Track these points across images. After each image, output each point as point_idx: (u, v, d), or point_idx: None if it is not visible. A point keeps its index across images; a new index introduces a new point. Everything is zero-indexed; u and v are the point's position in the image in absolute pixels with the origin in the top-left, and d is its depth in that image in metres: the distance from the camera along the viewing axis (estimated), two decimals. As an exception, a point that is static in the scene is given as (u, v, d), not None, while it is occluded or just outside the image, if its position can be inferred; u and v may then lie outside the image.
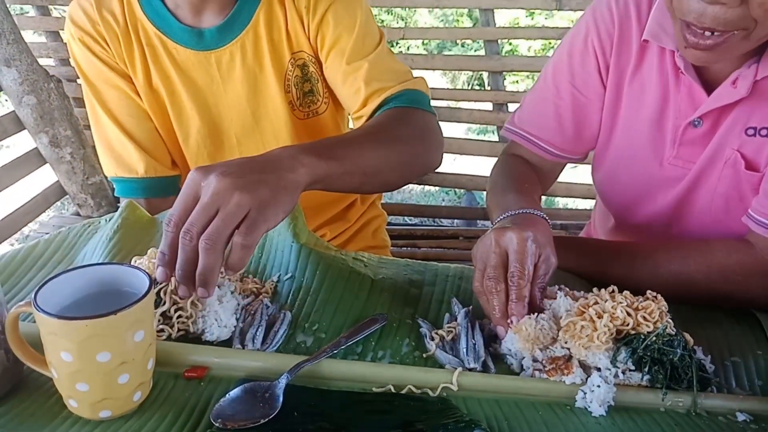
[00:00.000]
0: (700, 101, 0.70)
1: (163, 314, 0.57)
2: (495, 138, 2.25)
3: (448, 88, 3.77)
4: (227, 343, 0.58)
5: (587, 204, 2.11)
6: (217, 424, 0.48)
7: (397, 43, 3.71)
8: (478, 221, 2.01)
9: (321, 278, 0.66)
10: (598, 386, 0.53)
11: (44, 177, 1.87)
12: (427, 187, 2.89)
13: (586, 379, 0.54)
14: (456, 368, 0.55)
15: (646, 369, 0.54)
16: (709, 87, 0.69)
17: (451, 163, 2.49)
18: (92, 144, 1.75)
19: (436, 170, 0.85)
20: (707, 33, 0.58)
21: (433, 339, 0.59)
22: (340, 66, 0.84)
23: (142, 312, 0.48)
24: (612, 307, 0.55)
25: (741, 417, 0.53)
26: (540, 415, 0.53)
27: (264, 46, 0.86)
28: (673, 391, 0.54)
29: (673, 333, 0.55)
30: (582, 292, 0.60)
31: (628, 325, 0.55)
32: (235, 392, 0.51)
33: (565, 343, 0.56)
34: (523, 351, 0.56)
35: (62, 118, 1.73)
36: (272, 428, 0.48)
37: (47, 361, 0.49)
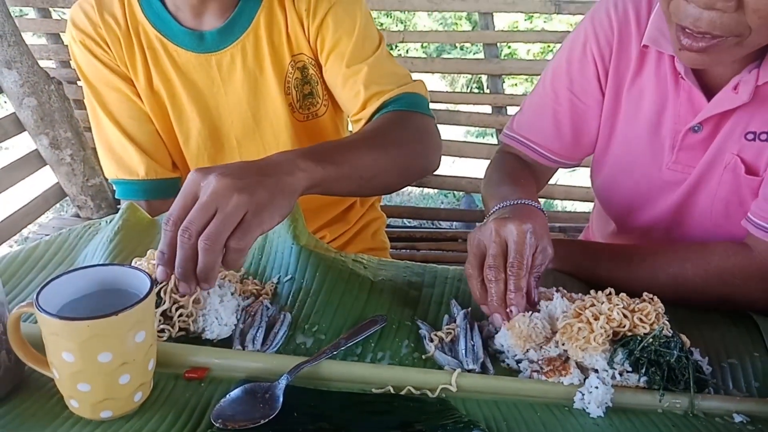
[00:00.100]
0: (700, 106, 0.70)
1: (163, 314, 0.57)
2: (494, 141, 2.26)
3: (447, 91, 3.77)
4: (227, 344, 0.58)
5: (586, 207, 2.12)
6: (217, 425, 0.49)
7: (396, 47, 3.72)
8: (477, 223, 2.01)
9: (321, 280, 0.66)
10: (596, 387, 0.53)
11: (44, 179, 1.87)
12: (426, 190, 2.90)
13: (584, 380, 0.55)
14: (455, 369, 0.56)
15: (643, 370, 0.54)
16: (709, 92, 0.69)
17: (450, 166, 2.50)
18: (92, 146, 1.75)
19: (435, 173, 0.86)
20: (699, 35, 0.59)
21: (432, 340, 0.59)
22: (339, 69, 0.85)
23: (143, 313, 0.48)
24: (608, 309, 0.55)
25: (738, 418, 0.54)
26: (538, 416, 0.53)
27: (264, 48, 0.87)
28: (670, 392, 0.54)
29: (670, 335, 0.56)
30: (579, 294, 0.60)
31: (624, 326, 0.55)
32: (235, 393, 0.52)
33: (563, 344, 0.56)
34: (515, 348, 0.57)
35: (62, 120, 1.73)
36: (272, 429, 0.49)
37: (49, 361, 0.49)
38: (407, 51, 3.88)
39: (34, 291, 0.63)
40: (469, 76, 4.24)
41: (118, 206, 0.80)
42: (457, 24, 4.69)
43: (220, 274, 0.61)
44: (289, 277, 0.67)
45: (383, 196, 1.37)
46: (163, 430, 0.49)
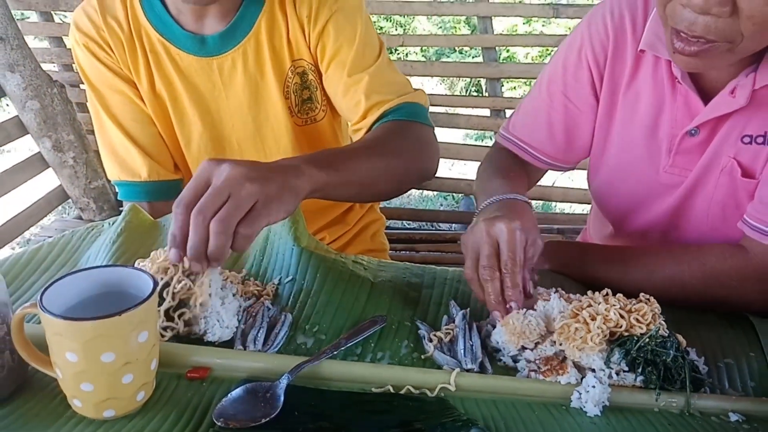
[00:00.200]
0: (697, 110, 0.71)
1: (166, 313, 0.58)
2: (492, 143, 2.26)
3: (446, 95, 3.79)
4: (229, 345, 0.59)
5: (583, 209, 2.12)
6: (219, 424, 0.49)
7: (396, 50, 3.74)
8: (476, 226, 2.02)
9: (321, 281, 0.67)
10: (593, 387, 0.54)
11: (47, 181, 1.88)
12: (425, 192, 2.90)
13: (581, 379, 0.55)
14: (454, 369, 0.56)
15: (640, 370, 0.55)
16: (706, 96, 0.70)
17: (449, 169, 2.51)
18: (95, 149, 1.76)
19: (435, 175, 0.87)
20: (693, 39, 0.60)
21: (431, 340, 0.60)
22: (341, 78, 0.85)
23: (146, 313, 0.49)
24: (605, 310, 0.56)
25: (734, 417, 0.54)
26: (536, 415, 0.54)
27: (265, 53, 0.87)
28: (667, 391, 0.55)
29: (666, 335, 0.56)
30: (577, 295, 0.61)
31: (621, 327, 0.56)
32: (236, 392, 0.52)
33: (560, 344, 0.57)
34: (509, 344, 0.57)
35: (65, 122, 1.74)
36: (273, 428, 0.49)
37: (52, 361, 0.50)
38: (407, 54, 3.90)
39: (37, 292, 0.64)
40: (468, 80, 4.26)
41: (121, 208, 0.81)
42: (456, 28, 4.70)
43: (222, 276, 0.62)
44: (290, 278, 0.68)
45: (383, 199, 1.37)
46: (166, 429, 0.50)
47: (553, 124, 0.82)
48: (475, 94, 4.27)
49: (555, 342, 0.57)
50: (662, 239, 0.81)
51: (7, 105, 3.52)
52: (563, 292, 0.62)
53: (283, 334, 0.60)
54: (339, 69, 0.85)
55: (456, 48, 4.39)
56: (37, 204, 1.83)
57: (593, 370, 0.55)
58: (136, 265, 0.60)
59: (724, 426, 0.53)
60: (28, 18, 2.47)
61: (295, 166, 0.61)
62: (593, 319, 0.56)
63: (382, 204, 1.32)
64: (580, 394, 0.54)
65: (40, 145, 1.77)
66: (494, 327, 0.60)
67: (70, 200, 1.92)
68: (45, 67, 1.79)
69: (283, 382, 0.53)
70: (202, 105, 0.90)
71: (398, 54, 3.87)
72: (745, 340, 0.65)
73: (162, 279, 0.57)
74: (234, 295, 0.62)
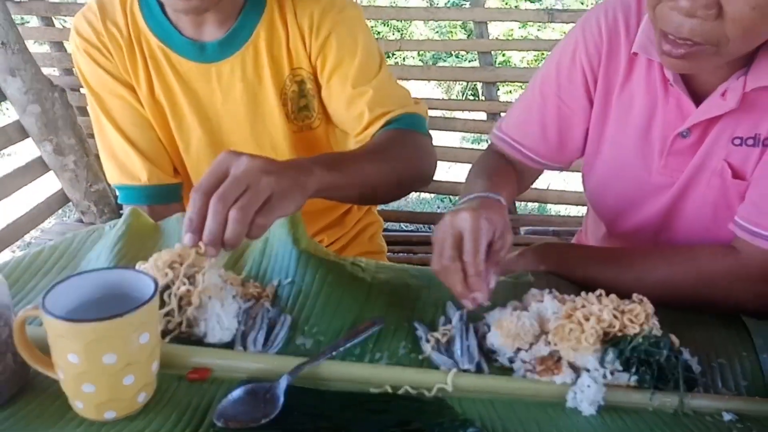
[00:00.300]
0: (688, 112, 0.72)
1: (168, 315, 0.58)
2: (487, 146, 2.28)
3: (443, 99, 3.80)
4: (229, 346, 0.59)
5: (579, 211, 2.14)
6: (219, 424, 0.50)
7: (393, 54, 3.75)
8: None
9: (320, 283, 0.68)
10: (588, 386, 0.55)
11: (48, 185, 1.88)
12: (422, 195, 2.91)
13: (576, 379, 0.56)
14: (451, 369, 0.57)
15: (634, 369, 0.55)
16: (698, 98, 0.71)
17: (446, 171, 2.52)
18: (95, 152, 1.77)
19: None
20: (681, 42, 0.61)
21: (428, 341, 0.61)
22: (343, 90, 0.87)
23: (147, 315, 0.49)
24: (599, 310, 0.57)
25: (727, 417, 0.55)
26: (532, 415, 0.54)
27: (264, 60, 0.88)
28: (661, 391, 0.56)
29: (659, 335, 0.57)
30: (571, 296, 0.62)
31: (614, 327, 0.56)
32: (237, 393, 0.53)
33: (555, 345, 0.57)
34: (504, 347, 0.58)
35: (66, 126, 1.74)
36: (273, 428, 0.50)
37: (54, 363, 0.50)
38: (404, 59, 3.92)
39: (38, 295, 0.64)
40: (465, 84, 4.28)
41: (121, 211, 0.81)
42: (452, 32, 4.73)
43: (223, 276, 0.63)
44: (289, 279, 0.69)
45: (380, 201, 1.38)
46: (166, 430, 0.50)
47: (546, 124, 0.83)
48: (471, 97, 4.29)
49: (549, 342, 0.58)
50: (654, 240, 0.82)
51: (7, 109, 3.52)
52: (557, 294, 0.62)
53: (282, 335, 0.61)
54: (341, 81, 0.86)
55: (452, 52, 4.41)
56: (38, 207, 1.83)
57: (588, 370, 0.56)
58: (137, 267, 0.61)
59: (717, 425, 0.54)
60: (29, 23, 2.48)
61: (305, 165, 0.64)
62: (587, 319, 0.56)
63: (380, 207, 1.33)
64: (576, 393, 0.55)
65: (41, 148, 1.77)
66: (489, 329, 0.60)
67: (70, 203, 1.92)
68: (45, 71, 1.79)
69: (283, 383, 0.53)
70: (200, 110, 0.91)
71: (395, 58, 3.89)
72: (738, 339, 0.66)
73: (165, 277, 0.58)
74: (234, 296, 0.62)
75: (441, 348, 0.60)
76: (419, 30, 4.80)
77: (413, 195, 2.93)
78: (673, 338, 0.58)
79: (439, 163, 0.91)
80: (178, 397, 0.54)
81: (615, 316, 0.57)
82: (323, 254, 0.74)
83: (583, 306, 0.58)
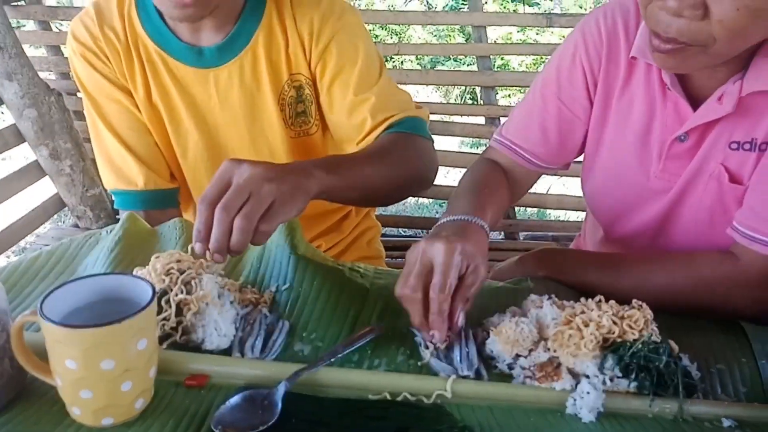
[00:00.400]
0: (686, 117, 0.72)
1: (165, 320, 0.58)
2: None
3: (441, 103, 3.81)
4: (227, 352, 0.59)
5: (578, 216, 2.14)
6: (217, 431, 0.49)
7: (391, 58, 3.77)
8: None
9: (318, 288, 0.68)
10: (588, 393, 0.55)
11: (44, 189, 1.88)
12: (421, 200, 2.92)
13: (576, 385, 0.56)
14: (450, 376, 0.57)
15: (633, 376, 0.55)
16: (695, 103, 0.71)
17: (444, 176, 2.52)
18: (92, 157, 1.76)
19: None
20: (669, 40, 0.61)
21: (427, 348, 0.61)
22: (345, 96, 0.87)
23: (145, 320, 0.49)
24: (598, 316, 0.57)
25: (726, 423, 0.55)
26: (532, 421, 0.54)
27: (262, 66, 0.88)
28: (660, 397, 0.55)
29: (659, 341, 0.57)
30: (570, 302, 0.62)
31: (614, 333, 0.56)
32: (234, 400, 0.52)
33: (554, 351, 0.57)
34: (503, 353, 0.58)
35: (62, 131, 1.74)
36: (271, 435, 0.49)
37: (52, 369, 0.50)
38: (402, 63, 3.93)
39: (35, 301, 0.64)
40: (463, 88, 4.29)
41: (117, 216, 0.81)
42: (450, 36, 4.75)
43: (220, 282, 0.62)
44: (287, 285, 0.68)
45: (378, 206, 1.38)
46: (164, 436, 0.50)
47: (546, 126, 0.83)
48: (470, 102, 4.31)
49: (549, 348, 0.58)
50: (651, 244, 0.82)
51: (3, 113, 3.51)
52: (557, 300, 0.62)
53: (280, 341, 0.60)
54: (343, 88, 0.87)
55: (451, 56, 4.43)
56: (34, 212, 1.82)
57: (587, 377, 0.56)
58: (134, 272, 0.61)
59: (716, 431, 0.54)
60: (26, 27, 2.48)
61: (305, 169, 0.65)
62: (586, 325, 0.56)
63: (378, 211, 1.33)
64: (575, 400, 0.55)
65: (37, 153, 1.77)
66: (489, 335, 0.60)
67: (66, 208, 1.91)
68: (42, 75, 1.79)
69: (281, 390, 0.53)
70: (198, 115, 0.91)
71: (394, 62, 3.90)
72: (737, 345, 0.66)
73: (162, 283, 0.58)
74: (231, 303, 0.62)
75: (440, 354, 0.60)
76: (417, 34, 4.82)
77: (411, 200, 2.94)
78: (672, 344, 0.58)
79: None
80: (175, 404, 0.54)
81: (614, 322, 0.57)
82: (321, 259, 0.73)
83: (583, 312, 0.58)
